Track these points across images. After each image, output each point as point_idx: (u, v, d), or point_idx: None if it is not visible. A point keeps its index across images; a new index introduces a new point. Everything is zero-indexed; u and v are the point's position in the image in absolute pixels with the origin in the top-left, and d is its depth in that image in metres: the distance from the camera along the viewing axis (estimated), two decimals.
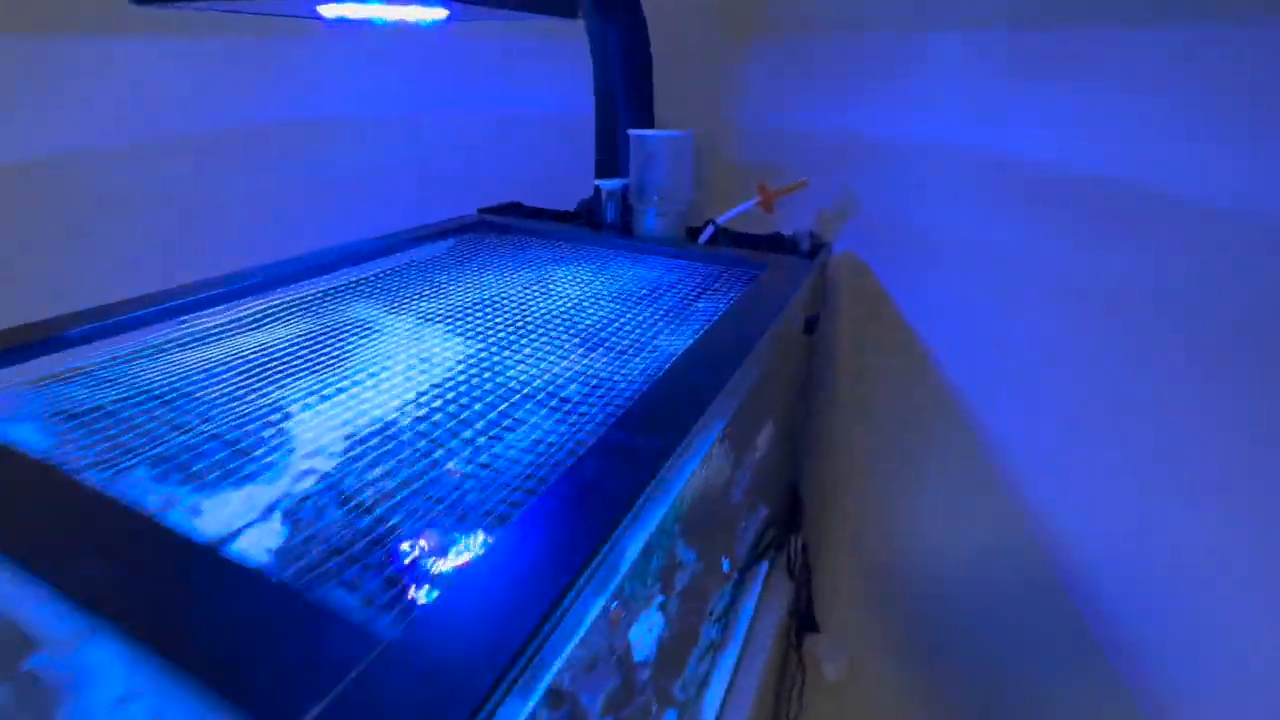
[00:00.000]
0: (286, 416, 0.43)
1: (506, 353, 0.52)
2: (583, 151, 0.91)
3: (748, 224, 0.82)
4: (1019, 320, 0.69)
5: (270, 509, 0.34)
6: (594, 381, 0.48)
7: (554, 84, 0.95)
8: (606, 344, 0.54)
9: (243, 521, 0.33)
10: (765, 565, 0.82)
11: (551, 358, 0.52)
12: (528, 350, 0.53)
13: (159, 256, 0.90)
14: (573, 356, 0.52)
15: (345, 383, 0.47)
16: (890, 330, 0.80)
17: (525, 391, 0.47)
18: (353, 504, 0.35)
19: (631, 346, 0.53)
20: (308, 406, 0.44)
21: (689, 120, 0.85)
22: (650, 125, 0.83)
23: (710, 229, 0.80)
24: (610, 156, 0.87)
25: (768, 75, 0.85)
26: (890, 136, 0.77)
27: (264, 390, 0.46)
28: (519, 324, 0.58)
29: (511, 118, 0.99)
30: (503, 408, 0.45)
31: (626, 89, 0.79)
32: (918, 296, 0.77)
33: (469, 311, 0.60)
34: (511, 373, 0.50)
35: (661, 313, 0.59)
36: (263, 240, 0.76)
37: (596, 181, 0.79)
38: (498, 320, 0.58)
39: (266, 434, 0.40)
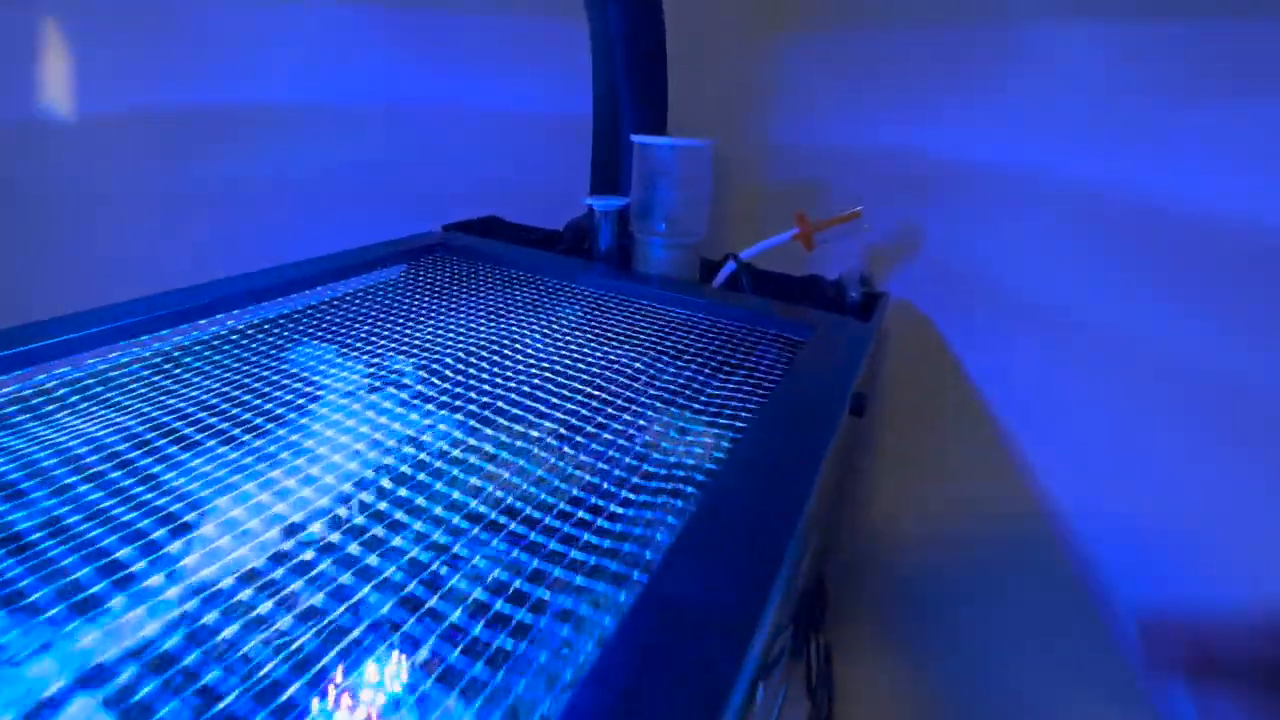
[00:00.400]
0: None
1: (448, 441, 0.35)
2: (579, 159, 0.74)
3: (779, 260, 0.64)
4: (1146, 430, 0.51)
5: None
6: (576, 501, 0.30)
7: (547, 75, 0.78)
8: (591, 444, 0.36)
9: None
10: (776, 674, 0.64)
11: (510, 451, 0.34)
12: (475, 443, 0.35)
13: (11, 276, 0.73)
14: (540, 453, 0.35)
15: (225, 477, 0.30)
16: (956, 408, 0.63)
17: (471, 510, 0.30)
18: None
19: (623, 457, 0.35)
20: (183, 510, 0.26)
21: (708, 128, 0.68)
22: (661, 131, 0.66)
23: (730, 266, 0.62)
24: (609, 169, 0.69)
25: (811, 75, 0.68)
26: (970, 159, 0.60)
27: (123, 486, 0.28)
28: (470, 399, 0.40)
29: (494, 114, 0.82)
30: (436, 537, 0.27)
31: (631, 82, 0.62)
32: (997, 369, 0.60)
33: (402, 378, 0.42)
34: (455, 473, 0.32)
35: (663, 393, 0.41)
36: (145, 259, 0.59)
37: (588, 199, 0.61)
38: (443, 392, 0.40)
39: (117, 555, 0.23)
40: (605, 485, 0.33)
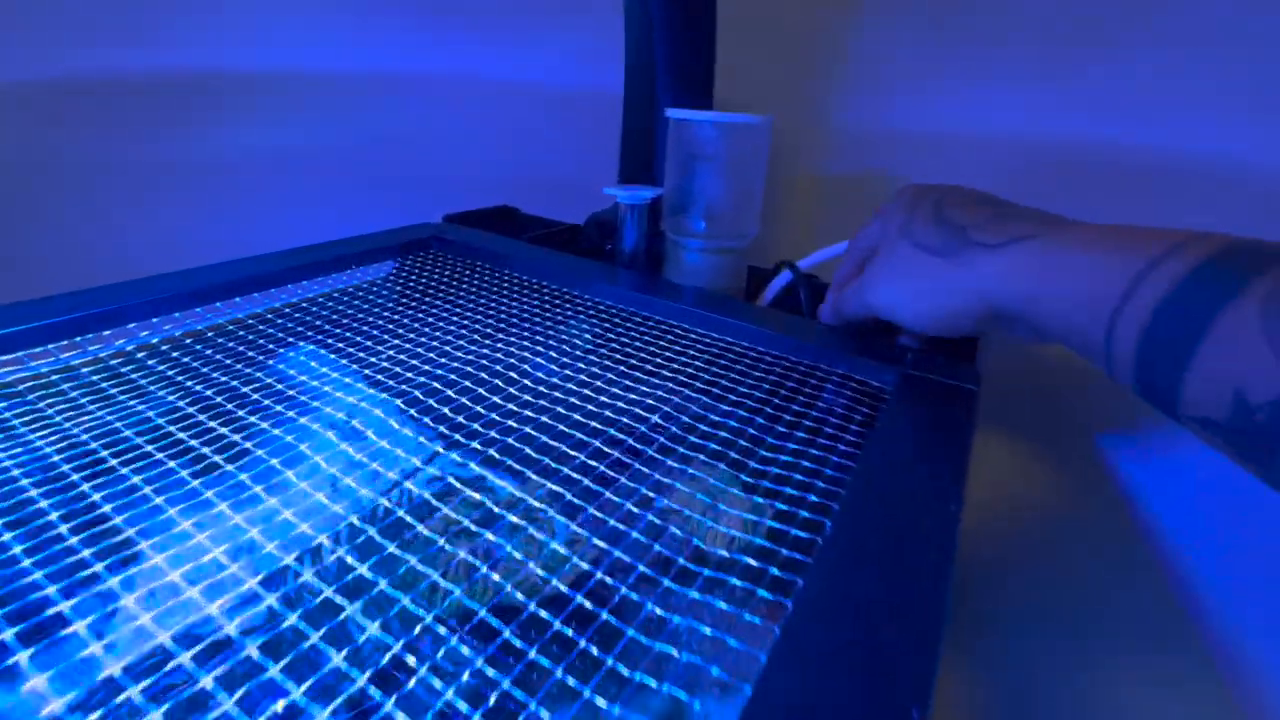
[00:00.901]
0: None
1: (416, 508, 0.24)
2: (610, 140, 0.63)
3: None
4: None
5: None
6: (588, 587, 0.20)
7: (572, 42, 0.67)
8: (605, 508, 0.25)
9: None
10: None
11: (504, 502, 0.24)
12: (451, 513, 0.25)
13: None
14: (540, 514, 0.24)
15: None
16: (1071, 475, 0.50)
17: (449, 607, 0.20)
18: None
19: (642, 526, 0.24)
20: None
21: (761, 106, 0.55)
22: (705, 107, 0.54)
23: (785, 277, 0.50)
24: (640, 153, 0.58)
25: (892, 40, 0.55)
26: (1109, 149, 0.47)
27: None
28: (455, 440, 0.30)
29: (510, 85, 0.71)
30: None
31: (670, 47, 0.50)
32: (1132, 432, 0.46)
33: (369, 413, 0.32)
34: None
35: (703, 444, 0.30)
36: (85, 246, 0.50)
37: (611, 190, 0.50)
38: (415, 436, 0.30)
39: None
40: (628, 577, 0.22)
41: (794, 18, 0.61)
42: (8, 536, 0.23)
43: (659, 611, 0.22)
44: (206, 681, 0.18)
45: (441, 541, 0.24)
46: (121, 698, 0.17)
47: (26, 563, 0.22)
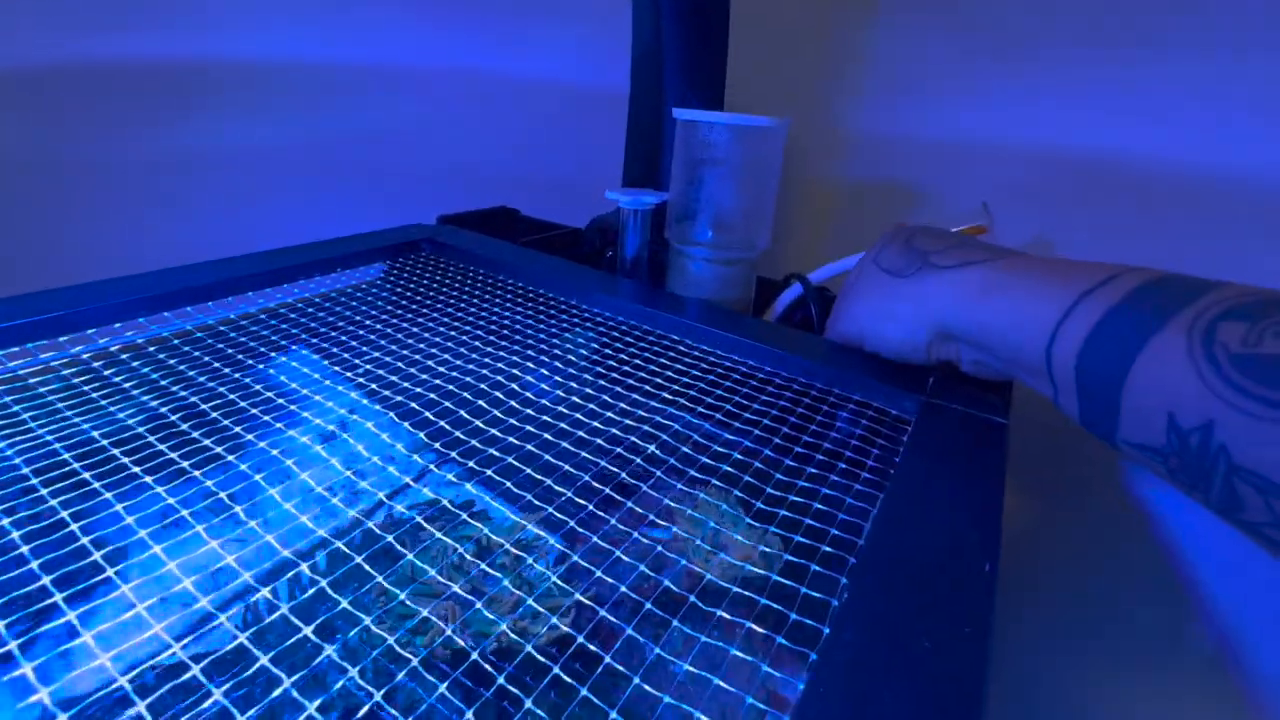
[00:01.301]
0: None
1: (399, 531, 0.22)
2: (614, 140, 0.60)
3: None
4: None
5: None
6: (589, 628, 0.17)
7: (577, 36, 0.64)
8: (616, 552, 0.23)
9: None
10: None
11: (497, 530, 0.22)
12: (450, 524, 0.23)
13: None
14: (521, 544, 0.22)
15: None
16: (1098, 500, 0.47)
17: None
18: None
19: (648, 560, 0.22)
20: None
21: (773, 109, 0.53)
22: (716, 108, 0.51)
23: (795, 290, 0.48)
24: (646, 155, 0.55)
25: (910, 43, 0.52)
26: (1132, 158, 0.44)
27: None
28: (436, 460, 0.27)
29: (512, 82, 0.68)
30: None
31: (680, 44, 0.47)
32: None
33: (342, 431, 0.29)
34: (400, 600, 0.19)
35: (707, 474, 0.27)
36: (98, 235, 0.47)
37: (613, 194, 0.47)
38: (391, 457, 0.27)
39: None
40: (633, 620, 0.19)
41: (808, 23, 0.58)
42: None
43: (664, 655, 0.19)
44: None
45: (433, 572, 0.22)
46: None
47: None
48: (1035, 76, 0.49)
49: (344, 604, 0.20)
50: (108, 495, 0.24)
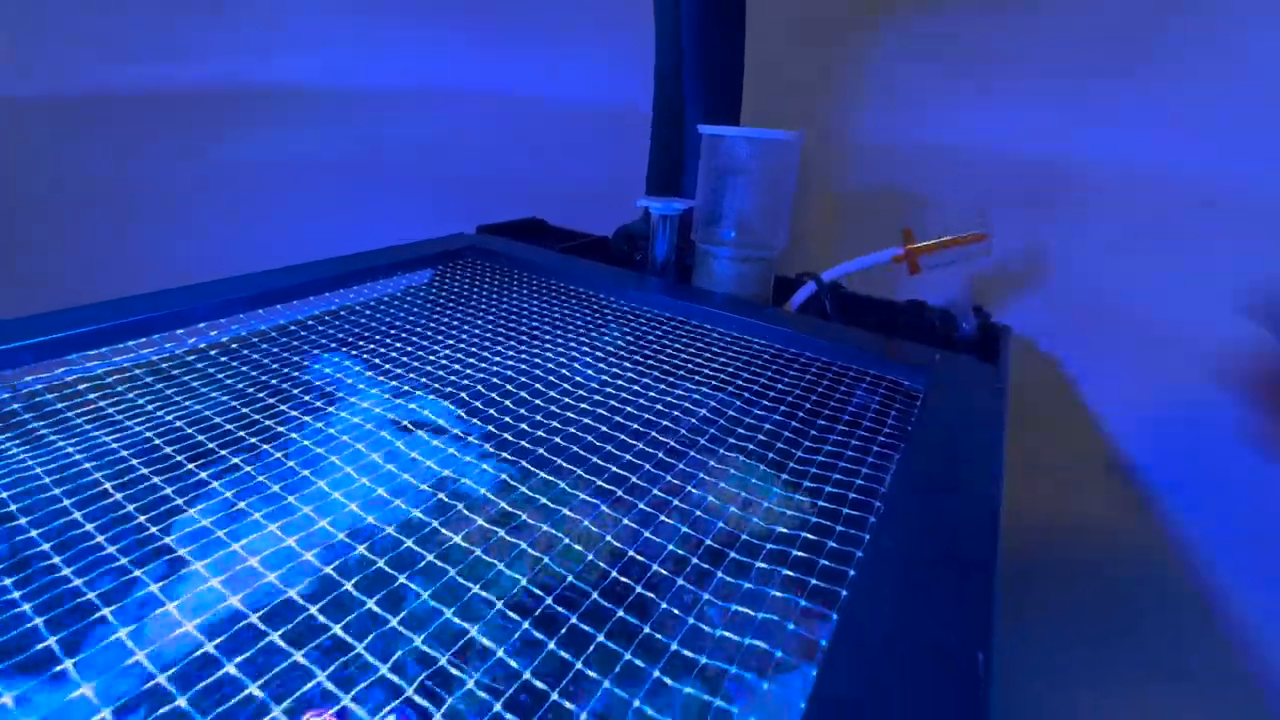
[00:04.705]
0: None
1: (472, 500, 0.26)
2: (633, 154, 0.65)
3: (867, 284, 0.54)
4: None
5: None
6: (622, 597, 0.21)
7: (601, 55, 0.69)
8: (638, 506, 0.27)
9: None
10: None
11: (555, 498, 0.25)
12: (508, 506, 0.26)
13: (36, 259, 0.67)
14: (591, 526, 0.26)
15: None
16: (1089, 480, 0.51)
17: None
18: None
19: (680, 521, 0.26)
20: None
21: (787, 122, 0.57)
22: (734, 122, 0.56)
23: (810, 288, 0.52)
24: (668, 166, 0.60)
25: (914, 61, 0.57)
26: (1122, 168, 0.49)
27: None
28: (505, 440, 0.32)
29: (538, 100, 0.73)
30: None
31: (700, 64, 0.52)
32: (1156, 438, 0.48)
33: (420, 411, 0.34)
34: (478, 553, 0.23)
35: (744, 445, 0.32)
36: (135, 255, 0.52)
37: (642, 201, 0.52)
38: (466, 433, 0.32)
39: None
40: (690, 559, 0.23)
41: (818, 42, 0.63)
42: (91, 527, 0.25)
43: (713, 599, 0.23)
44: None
45: (502, 533, 0.26)
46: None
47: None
48: (1025, 90, 0.54)
49: (430, 557, 0.24)
50: (203, 475, 0.28)
